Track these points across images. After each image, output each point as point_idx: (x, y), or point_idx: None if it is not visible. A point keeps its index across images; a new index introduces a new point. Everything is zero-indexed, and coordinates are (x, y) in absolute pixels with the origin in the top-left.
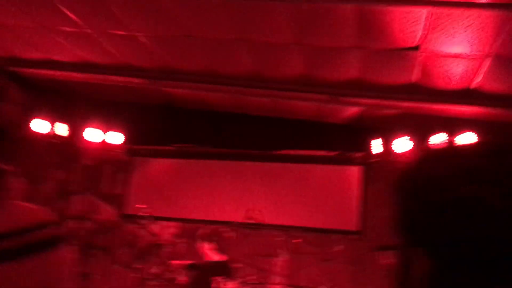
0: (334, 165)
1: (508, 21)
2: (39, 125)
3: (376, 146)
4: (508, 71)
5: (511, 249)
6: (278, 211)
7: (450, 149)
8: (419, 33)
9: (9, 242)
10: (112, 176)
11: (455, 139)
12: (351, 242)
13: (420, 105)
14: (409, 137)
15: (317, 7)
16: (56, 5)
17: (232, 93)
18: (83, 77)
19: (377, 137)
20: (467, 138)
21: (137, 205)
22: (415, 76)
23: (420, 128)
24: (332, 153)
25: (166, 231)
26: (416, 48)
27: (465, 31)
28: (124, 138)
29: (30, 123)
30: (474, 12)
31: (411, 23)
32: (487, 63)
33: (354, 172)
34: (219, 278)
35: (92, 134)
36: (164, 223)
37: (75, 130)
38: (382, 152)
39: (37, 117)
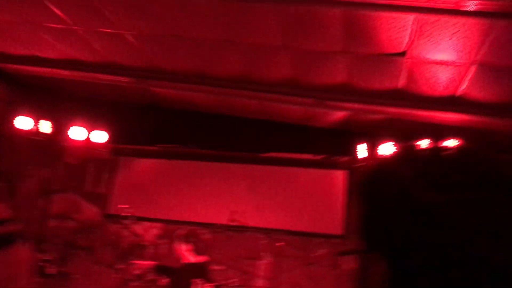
0: (319, 169)
1: (492, 29)
2: (23, 122)
3: (362, 150)
4: (492, 79)
5: (465, 256)
6: (262, 214)
7: (411, 154)
8: (406, 39)
9: None
10: (95, 175)
11: (439, 145)
12: (335, 246)
13: (406, 111)
14: (394, 143)
15: (305, 10)
16: (43, 1)
17: (219, 94)
18: (68, 74)
19: (362, 142)
20: (451, 145)
21: (120, 205)
22: (401, 82)
23: (405, 134)
24: (317, 157)
25: (149, 232)
26: (402, 54)
27: (451, 39)
28: (108, 137)
29: (13, 120)
30: (460, 20)
31: (397, 29)
32: (472, 71)
33: (339, 176)
34: (198, 280)
35: (77, 132)
36: (147, 223)
37: (59, 128)
38: (367, 157)
39: (21, 114)
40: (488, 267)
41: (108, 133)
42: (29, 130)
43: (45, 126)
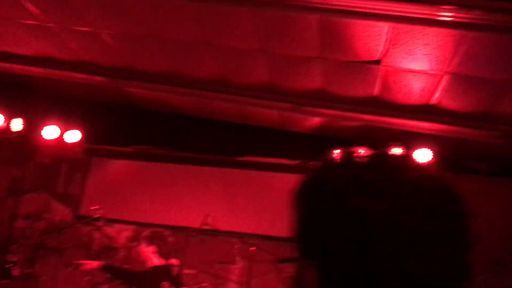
0: (295, 173)
1: (464, 40)
2: None
3: None
4: (464, 89)
5: (392, 264)
6: (236, 218)
7: (347, 160)
8: (381, 48)
9: None
10: (68, 175)
11: (412, 153)
12: None
13: (381, 118)
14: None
15: (281, 15)
16: None
17: (195, 96)
18: (42, 72)
19: (338, 148)
20: (423, 153)
21: (92, 207)
22: (376, 89)
23: (380, 141)
24: (293, 162)
25: (122, 234)
26: (377, 62)
27: (425, 48)
28: (82, 137)
29: None
30: (433, 30)
31: (372, 37)
32: (445, 81)
33: None
34: (166, 284)
35: (49, 131)
36: (120, 226)
37: (31, 126)
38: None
39: None
40: (407, 278)
41: (81, 133)
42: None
43: (17, 124)
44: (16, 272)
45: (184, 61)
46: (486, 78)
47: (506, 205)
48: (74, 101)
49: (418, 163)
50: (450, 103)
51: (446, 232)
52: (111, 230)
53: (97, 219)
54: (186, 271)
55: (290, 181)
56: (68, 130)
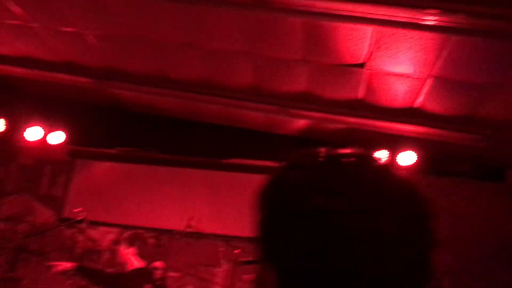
0: None
1: (447, 44)
2: None
3: None
4: (447, 93)
5: (352, 266)
6: (222, 221)
7: (309, 161)
8: (365, 51)
9: None
10: (51, 177)
11: (396, 157)
12: None
13: (366, 121)
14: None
15: (265, 17)
16: None
17: (181, 98)
18: (25, 72)
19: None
20: (407, 156)
21: (75, 209)
22: (361, 92)
23: (365, 144)
24: (279, 164)
25: (105, 237)
26: (362, 65)
27: (408, 52)
28: (66, 138)
29: None
30: (417, 33)
31: (356, 40)
32: (428, 84)
33: None
34: (149, 287)
35: (32, 132)
36: (104, 228)
37: (14, 127)
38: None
39: None
40: (367, 280)
41: (65, 134)
42: None
43: None
44: None
45: (169, 62)
46: (469, 82)
47: (489, 208)
48: (58, 102)
49: (381, 163)
50: (433, 106)
51: (408, 234)
52: (95, 232)
53: (81, 221)
54: (171, 274)
55: None
56: (51, 131)
